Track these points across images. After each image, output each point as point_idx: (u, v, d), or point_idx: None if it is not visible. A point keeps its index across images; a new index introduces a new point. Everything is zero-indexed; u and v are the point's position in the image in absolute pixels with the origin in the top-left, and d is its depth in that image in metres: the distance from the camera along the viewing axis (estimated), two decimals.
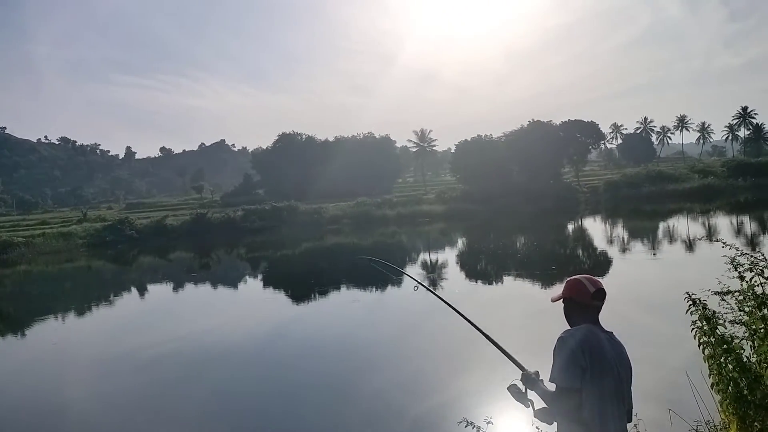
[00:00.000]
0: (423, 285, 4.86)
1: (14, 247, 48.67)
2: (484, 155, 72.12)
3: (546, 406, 3.23)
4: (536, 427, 4.99)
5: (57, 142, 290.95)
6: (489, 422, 5.46)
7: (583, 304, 3.25)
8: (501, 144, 76.51)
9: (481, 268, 27.25)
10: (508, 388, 3.43)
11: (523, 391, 3.38)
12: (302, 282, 26.53)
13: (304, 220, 58.06)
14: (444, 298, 4.74)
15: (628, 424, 3.19)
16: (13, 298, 29.89)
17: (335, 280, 25.86)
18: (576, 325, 3.25)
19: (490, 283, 21.84)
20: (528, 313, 15.44)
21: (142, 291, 28.55)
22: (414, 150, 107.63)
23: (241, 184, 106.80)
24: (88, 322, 21.15)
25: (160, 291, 28.34)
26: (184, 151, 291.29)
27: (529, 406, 3.35)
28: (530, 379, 3.38)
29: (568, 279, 3.37)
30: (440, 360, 12.33)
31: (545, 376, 3.27)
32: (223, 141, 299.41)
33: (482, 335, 3.87)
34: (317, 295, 22.65)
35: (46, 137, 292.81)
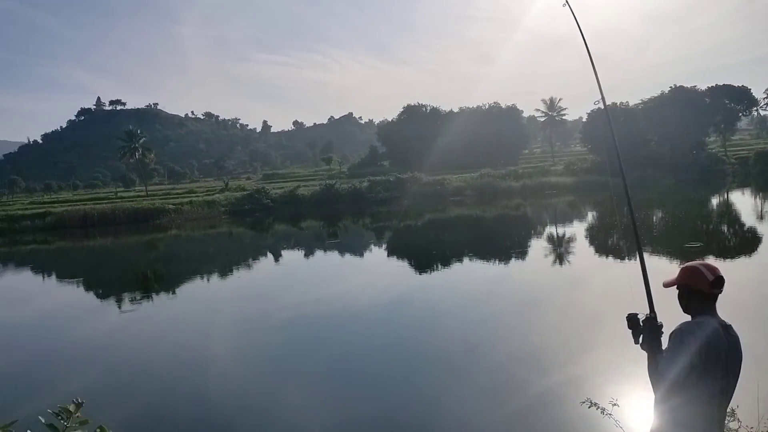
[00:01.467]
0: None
1: (166, 213, 53.42)
2: (618, 124, 68.03)
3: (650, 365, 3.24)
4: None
5: (202, 117, 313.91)
6: (614, 404, 5.27)
7: (702, 293, 3.13)
8: (638, 112, 71.82)
9: (612, 243, 25.96)
10: (627, 315, 3.45)
11: (640, 326, 3.36)
12: (424, 252, 26.80)
13: (427, 192, 58.28)
14: None
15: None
16: (165, 260, 32.92)
17: (458, 251, 25.86)
18: (694, 313, 3.16)
19: (621, 259, 20.75)
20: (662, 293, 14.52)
21: (276, 256, 30.28)
22: (542, 119, 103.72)
23: (367, 156, 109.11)
24: (228, 284, 22.86)
25: (292, 257, 29.91)
26: (314, 124, 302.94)
27: (637, 343, 3.37)
28: (652, 324, 3.32)
29: (684, 266, 3.27)
30: (564, 337, 12.00)
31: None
32: (350, 114, 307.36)
33: (641, 266, 3.83)
34: (439, 266, 22.80)
35: (192, 112, 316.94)
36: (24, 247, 44.19)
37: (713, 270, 3.12)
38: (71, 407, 1.52)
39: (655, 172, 56.82)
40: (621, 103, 74.46)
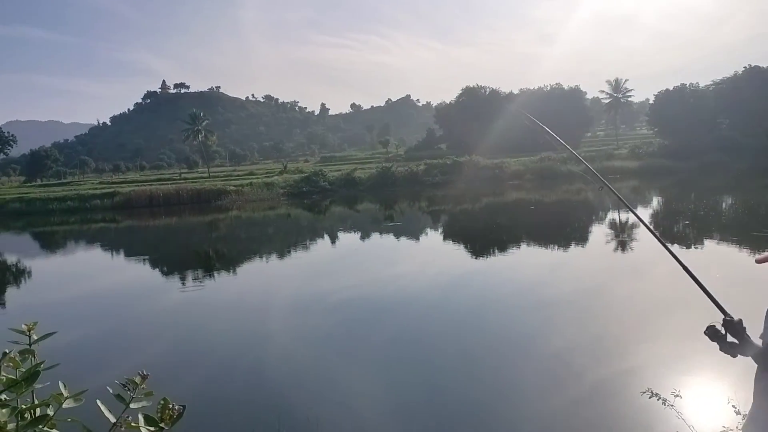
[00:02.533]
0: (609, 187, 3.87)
1: (227, 195, 54.87)
2: (687, 106, 65.29)
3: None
4: (732, 405, 4.56)
5: (262, 100, 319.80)
6: (677, 395, 5.09)
7: None
8: (709, 93, 68.56)
9: (678, 230, 25.01)
10: (705, 331, 3.23)
11: (723, 333, 3.15)
12: (481, 237, 26.56)
13: (485, 175, 57.60)
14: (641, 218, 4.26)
15: None
16: (226, 240, 33.87)
17: (515, 236, 25.51)
18: None
19: (688, 247, 20.00)
20: (731, 281, 13.91)
21: (333, 238, 30.67)
22: (606, 101, 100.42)
23: (424, 139, 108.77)
24: (286, 265, 23.32)
25: (348, 239, 30.21)
26: (372, 107, 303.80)
27: (734, 355, 3.14)
28: (733, 326, 3.11)
29: None
30: (625, 326, 11.69)
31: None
32: (408, 96, 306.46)
33: (686, 272, 3.55)
34: (496, 251, 22.55)
35: (253, 95, 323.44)
36: (94, 226, 46.31)
37: None
38: (137, 379, 1.58)
39: (726, 157, 54.23)
40: (690, 84, 71.30)
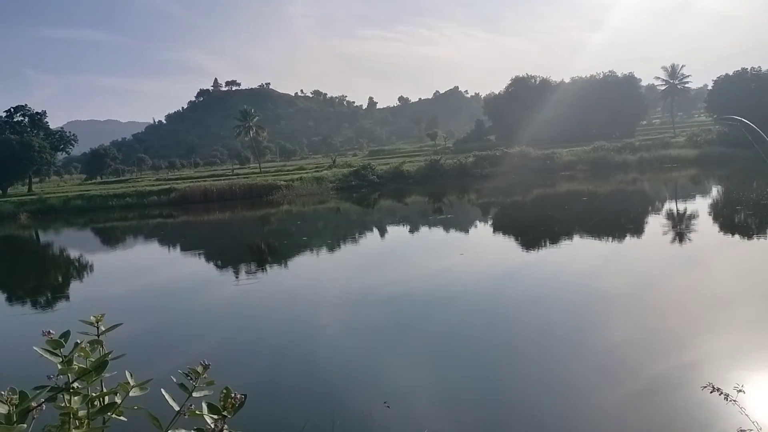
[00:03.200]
0: None
1: (278, 189, 55.75)
2: (748, 91, 62.47)
3: None
4: None
5: (311, 95, 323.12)
6: (740, 390, 4.90)
7: None
8: None
9: (740, 220, 24.03)
10: None
11: None
12: (532, 229, 26.17)
13: (536, 166, 56.62)
14: None
15: None
16: (278, 234, 34.44)
17: (567, 228, 25.02)
18: None
19: (749, 238, 19.19)
20: None
21: (382, 232, 30.78)
22: (662, 88, 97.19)
23: (473, 131, 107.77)
24: (336, 258, 23.56)
25: (397, 232, 30.27)
26: (419, 99, 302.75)
27: None
28: None
29: None
30: (683, 319, 11.32)
31: None
32: (456, 88, 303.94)
33: None
34: (548, 243, 22.18)
35: (301, 91, 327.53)
36: (152, 221, 47.85)
37: None
38: (199, 369, 1.63)
39: None
40: (752, 68, 68.16)
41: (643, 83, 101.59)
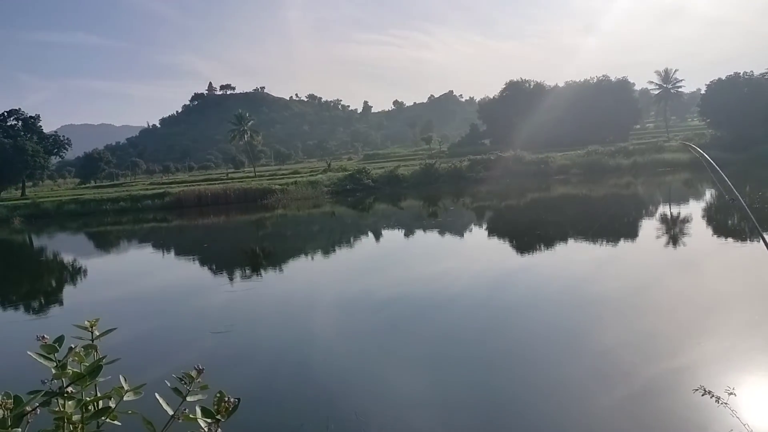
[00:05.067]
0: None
1: (273, 194, 55.66)
2: (741, 95, 62.89)
3: None
4: None
5: (306, 99, 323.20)
6: (731, 393, 4.93)
7: None
8: (764, 82, 65.87)
9: (733, 224, 24.16)
10: None
11: None
12: (527, 233, 26.23)
13: (530, 170, 56.75)
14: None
15: None
16: (273, 238, 34.40)
17: (562, 232, 25.09)
18: None
19: (743, 240, 19.29)
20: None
21: (377, 236, 30.78)
22: (656, 93, 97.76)
23: (468, 135, 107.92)
24: (331, 262, 23.55)
25: (392, 236, 30.27)
26: (414, 103, 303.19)
27: None
28: None
29: None
30: (677, 322, 11.37)
31: None
32: (451, 92, 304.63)
33: None
34: (542, 247, 22.24)
35: (296, 95, 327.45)
36: (146, 225, 47.70)
37: None
38: (193, 373, 1.64)
39: None
40: (744, 73, 68.60)
41: (637, 87, 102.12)
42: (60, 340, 1.70)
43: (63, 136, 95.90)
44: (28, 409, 1.47)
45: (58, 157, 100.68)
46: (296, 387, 9.64)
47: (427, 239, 28.04)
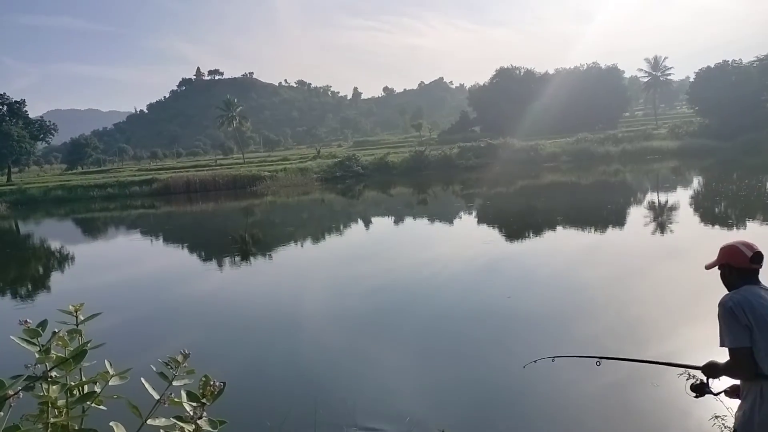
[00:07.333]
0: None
1: (262, 180, 55.49)
2: (729, 84, 63.25)
3: (732, 382, 3.50)
4: None
5: (295, 85, 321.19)
6: (716, 378, 4.99)
7: (742, 269, 3.35)
8: (752, 70, 66.16)
9: (720, 211, 24.39)
10: (691, 389, 3.79)
11: (706, 382, 3.67)
12: (516, 220, 26.34)
13: (520, 158, 56.91)
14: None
15: None
16: (262, 226, 34.31)
17: (551, 219, 25.21)
18: (736, 288, 3.31)
19: (729, 228, 19.47)
20: None
21: (366, 223, 30.78)
22: (645, 80, 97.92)
23: (458, 122, 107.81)
24: (321, 249, 23.54)
25: (382, 223, 30.28)
26: (404, 90, 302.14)
27: (715, 393, 3.68)
28: (708, 368, 3.59)
29: (723, 246, 3.51)
30: (664, 309, 11.48)
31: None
32: (441, 79, 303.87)
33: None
34: (531, 234, 22.35)
35: (285, 80, 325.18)
36: (133, 212, 47.42)
37: (751, 246, 3.35)
38: (179, 358, 1.63)
39: None
40: (733, 61, 68.88)
41: (627, 75, 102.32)
42: (43, 324, 1.68)
43: (49, 121, 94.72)
44: (11, 392, 1.45)
45: (44, 142, 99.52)
46: (285, 372, 9.66)
47: (417, 226, 28.08)
